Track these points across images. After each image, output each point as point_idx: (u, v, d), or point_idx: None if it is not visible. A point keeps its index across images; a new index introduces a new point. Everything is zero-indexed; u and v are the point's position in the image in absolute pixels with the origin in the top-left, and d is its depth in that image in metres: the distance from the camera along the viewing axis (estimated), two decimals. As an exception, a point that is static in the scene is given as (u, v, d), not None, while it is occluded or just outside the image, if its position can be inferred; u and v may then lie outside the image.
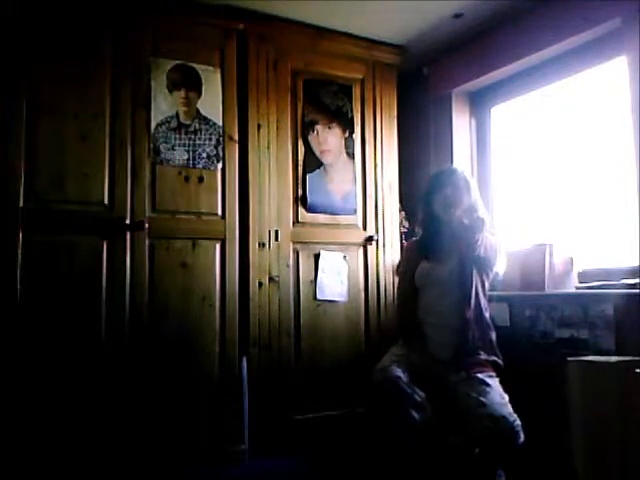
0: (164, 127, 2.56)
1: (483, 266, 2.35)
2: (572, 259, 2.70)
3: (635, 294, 2.26)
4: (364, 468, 2.48)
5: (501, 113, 3.22)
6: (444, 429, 2.23)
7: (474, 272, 2.34)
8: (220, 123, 2.66)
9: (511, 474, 2.15)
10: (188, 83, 2.61)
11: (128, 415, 2.36)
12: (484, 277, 2.39)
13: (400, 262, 2.79)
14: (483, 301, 2.36)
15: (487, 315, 2.37)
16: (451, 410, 2.20)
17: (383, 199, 3.04)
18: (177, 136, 2.58)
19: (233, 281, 2.62)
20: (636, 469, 1.68)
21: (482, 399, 2.10)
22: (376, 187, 3.03)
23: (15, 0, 2.30)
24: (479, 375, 2.20)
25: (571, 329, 2.49)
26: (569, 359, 2.09)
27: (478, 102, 3.25)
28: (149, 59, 2.54)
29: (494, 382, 2.19)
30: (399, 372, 2.15)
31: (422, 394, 2.15)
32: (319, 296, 2.81)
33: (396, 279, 2.94)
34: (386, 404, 2.16)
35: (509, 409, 2.08)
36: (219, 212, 2.64)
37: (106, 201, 2.42)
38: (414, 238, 2.70)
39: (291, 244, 2.79)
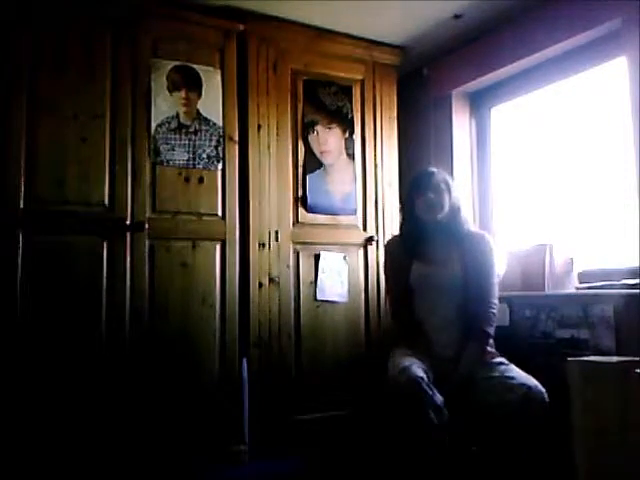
0: (164, 128, 2.56)
1: (487, 267, 2.37)
2: (572, 259, 2.70)
3: (635, 294, 2.26)
4: (365, 469, 2.49)
5: (501, 113, 3.22)
6: (457, 432, 2.21)
7: (480, 274, 2.35)
8: (220, 124, 2.67)
9: (512, 473, 2.15)
10: (188, 84, 2.62)
11: (128, 416, 2.36)
12: (491, 278, 2.37)
13: (384, 261, 2.68)
14: (494, 299, 2.36)
15: (494, 311, 2.35)
16: (465, 406, 2.20)
17: (383, 199, 3.04)
18: (177, 137, 2.58)
19: (233, 282, 2.62)
20: (636, 469, 1.68)
21: (508, 374, 2.16)
22: (376, 187, 3.03)
23: (16, 0, 2.31)
24: (492, 360, 2.26)
25: (571, 329, 2.49)
26: (569, 359, 2.09)
27: (478, 102, 3.25)
28: (149, 60, 2.54)
29: (509, 363, 2.26)
30: (421, 373, 2.10)
31: (440, 397, 2.11)
32: (319, 297, 2.81)
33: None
34: (408, 406, 2.08)
35: (536, 381, 2.12)
36: (219, 213, 2.64)
37: (106, 202, 2.42)
38: (394, 236, 2.66)
39: (291, 244, 2.79)
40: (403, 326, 2.43)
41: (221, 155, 2.66)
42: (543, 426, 2.07)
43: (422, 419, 2.05)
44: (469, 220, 2.51)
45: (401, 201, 3.10)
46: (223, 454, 2.51)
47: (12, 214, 2.26)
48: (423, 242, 2.42)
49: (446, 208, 2.39)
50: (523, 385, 2.09)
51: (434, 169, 2.51)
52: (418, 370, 2.11)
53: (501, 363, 2.27)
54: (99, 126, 2.43)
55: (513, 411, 2.06)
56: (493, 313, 2.33)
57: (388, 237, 3.02)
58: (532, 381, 2.12)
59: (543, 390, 2.09)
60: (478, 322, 2.30)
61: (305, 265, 2.81)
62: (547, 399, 2.07)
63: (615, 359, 1.95)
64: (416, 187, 2.44)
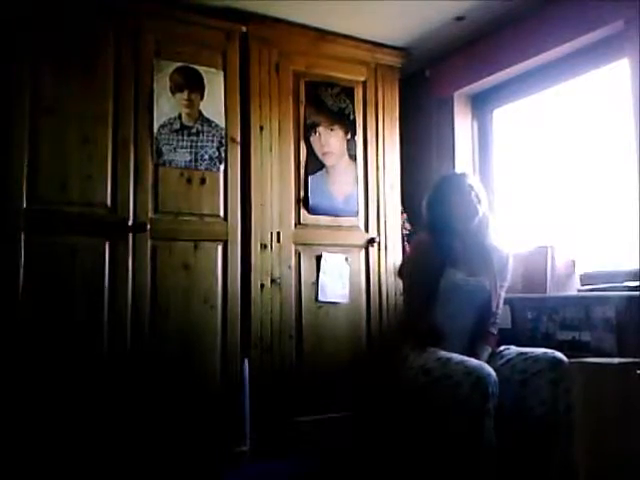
0: (167, 129, 2.56)
1: (505, 285, 2.49)
2: (574, 261, 2.70)
3: (637, 296, 2.26)
4: (366, 470, 2.48)
5: (503, 115, 3.22)
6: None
7: (500, 290, 2.46)
8: (222, 125, 2.67)
9: (512, 475, 2.15)
10: (191, 85, 2.62)
11: (130, 417, 2.36)
12: (503, 292, 2.49)
13: (406, 262, 2.70)
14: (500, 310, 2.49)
15: (499, 320, 2.47)
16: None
17: (385, 201, 3.04)
18: (179, 138, 2.59)
19: (235, 283, 2.63)
20: (637, 470, 1.68)
21: (522, 351, 2.24)
22: (378, 189, 3.03)
23: (19, 3, 2.31)
24: (499, 349, 2.34)
25: (573, 331, 2.49)
26: (571, 360, 2.09)
27: (480, 104, 3.25)
28: (152, 61, 2.55)
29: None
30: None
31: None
32: (321, 298, 2.81)
33: (398, 281, 2.93)
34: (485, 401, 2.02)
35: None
36: (221, 214, 2.64)
37: (109, 203, 2.43)
38: (423, 236, 2.53)
39: (293, 246, 2.80)
40: (422, 328, 2.37)
41: (223, 156, 2.66)
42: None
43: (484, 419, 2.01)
44: (495, 233, 2.52)
45: (403, 203, 3.11)
46: (224, 455, 2.51)
47: (14, 215, 2.26)
48: (456, 249, 2.39)
49: (480, 216, 2.41)
50: (546, 353, 2.16)
51: (467, 173, 2.55)
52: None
53: (507, 348, 2.33)
54: (101, 127, 2.43)
55: (551, 378, 2.10)
56: (497, 321, 2.46)
57: (389, 238, 3.02)
58: (548, 349, 2.20)
59: (561, 354, 2.17)
60: (486, 326, 2.39)
61: (307, 266, 2.81)
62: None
63: (616, 360, 1.95)
64: (452, 191, 2.42)
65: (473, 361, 2.14)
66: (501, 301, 2.48)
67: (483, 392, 2.00)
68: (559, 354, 2.17)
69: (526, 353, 2.23)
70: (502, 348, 2.35)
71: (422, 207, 2.53)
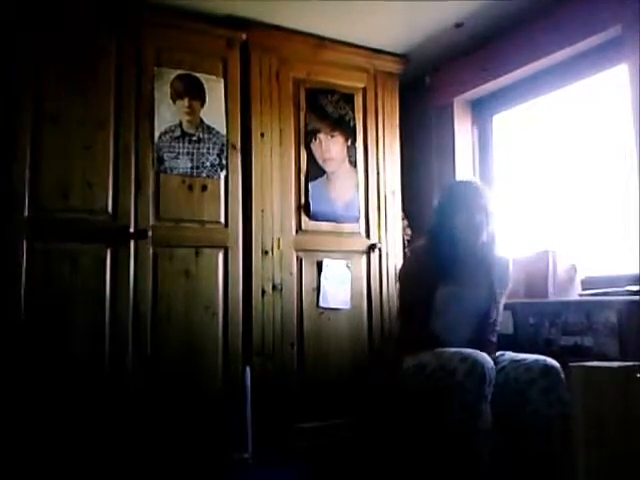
0: (168, 136, 2.57)
1: (505, 292, 2.48)
2: (575, 266, 2.70)
3: (638, 300, 2.25)
4: (368, 476, 2.48)
5: (503, 121, 3.23)
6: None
7: (500, 298, 2.45)
8: (223, 132, 2.68)
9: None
10: (191, 92, 2.63)
11: (131, 423, 2.36)
12: (502, 299, 2.48)
13: (405, 270, 2.67)
14: (500, 317, 2.49)
15: (497, 328, 2.45)
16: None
17: (386, 207, 3.05)
18: (181, 145, 2.60)
19: (236, 289, 2.63)
20: (637, 473, 1.67)
21: (517, 359, 2.24)
22: (379, 195, 3.04)
23: (20, 11, 2.33)
24: (495, 356, 2.30)
25: (575, 336, 2.48)
26: (571, 364, 2.08)
27: (480, 110, 3.26)
28: (153, 69, 2.56)
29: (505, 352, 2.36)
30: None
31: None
32: (322, 304, 2.81)
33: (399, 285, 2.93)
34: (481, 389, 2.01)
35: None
36: (222, 220, 2.65)
37: (110, 210, 2.44)
38: (420, 245, 2.54)
39: (294, 252, 2.80)
40: (418, 339, 2.35)
41: (224, 163, 2.67)
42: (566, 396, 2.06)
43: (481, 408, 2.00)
44: (499, 243, 2.48)
45: (404, 208, 3.11)
46: (225, 462, 2.50)
47: (17, 222, 2.27)
48: (454, 260, 2.34)
49: (486, 232, 2.35)
50: (537, 361, 2.15)
51: (478, 183, 2.49)
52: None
53: (502, 354, 2.32)
54: (103, 134, 2.44)
55: (543, 387, 2.10)
56: (497, 328, 2.45)
57: (391, 244, 3.03)
58: (541, 356, 2.20)
59: (554, 361, 2.16)
60: (485, 333, 2.38)
61: (308, 272, 2.81)
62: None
63: (617, 364, 1.94)
64: (460, 203, 2.36)
65: (468, 349, 2.14)
66: (501, 307, 2.47)
67: (480, 376, 1.99)
68: (551, 361, 2.15)
69: (519, 361, 2.21)
70: (497, 354, 2.33)
71: (432, 210, 2.53)
